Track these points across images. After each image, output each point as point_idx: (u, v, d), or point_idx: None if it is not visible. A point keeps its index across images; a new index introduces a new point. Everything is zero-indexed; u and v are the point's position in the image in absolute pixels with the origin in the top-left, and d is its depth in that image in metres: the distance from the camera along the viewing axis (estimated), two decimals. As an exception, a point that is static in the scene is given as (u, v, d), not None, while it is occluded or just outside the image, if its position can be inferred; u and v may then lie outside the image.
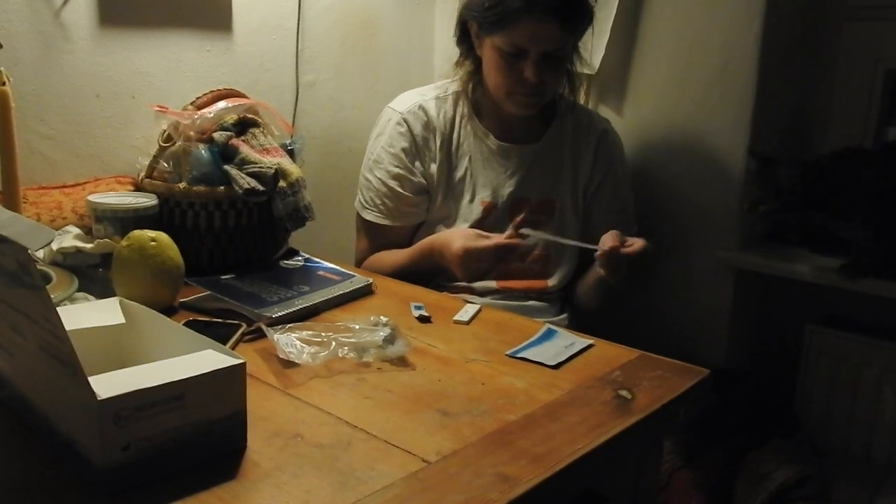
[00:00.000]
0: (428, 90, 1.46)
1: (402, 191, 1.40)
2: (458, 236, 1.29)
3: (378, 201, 1.41)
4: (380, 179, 1.41)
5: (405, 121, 1.40)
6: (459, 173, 1.42)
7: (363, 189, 1.44)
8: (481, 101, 1.43)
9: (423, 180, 1.41)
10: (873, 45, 1.64)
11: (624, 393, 0.86)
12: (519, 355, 0.96)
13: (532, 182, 1.43)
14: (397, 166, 1.40)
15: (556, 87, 1.41)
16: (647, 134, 1.67)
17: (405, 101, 1.44)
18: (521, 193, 1.43)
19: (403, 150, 1.40)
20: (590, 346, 1.00)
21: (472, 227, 1.39)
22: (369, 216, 1.43)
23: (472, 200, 1.42)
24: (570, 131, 1.47)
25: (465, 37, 1.39)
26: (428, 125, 1.41)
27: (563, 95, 1.48)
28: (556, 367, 0.93)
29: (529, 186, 1.43)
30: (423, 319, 1.09)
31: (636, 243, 1.23)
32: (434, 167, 1.41)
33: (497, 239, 1.25)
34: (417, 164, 1.41)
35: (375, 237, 1.44)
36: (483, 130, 1.42)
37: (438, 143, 1.41)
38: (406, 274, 1.34)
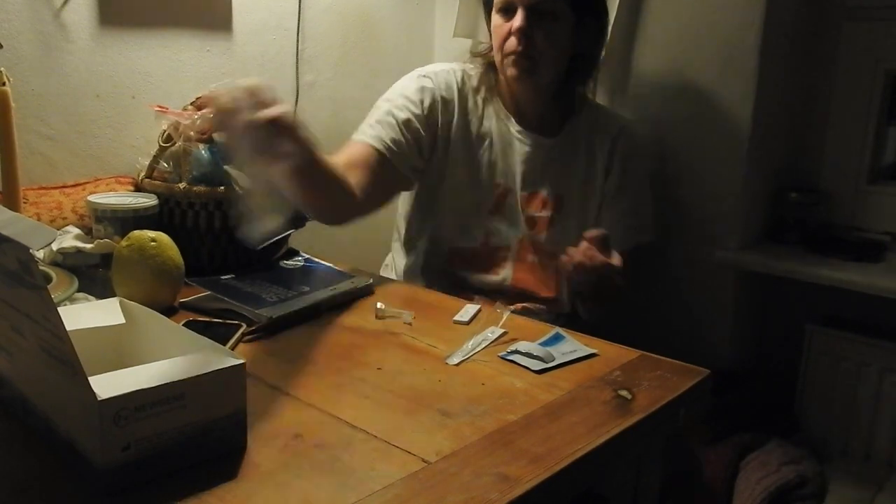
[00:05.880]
0: (455, 63, 1.45)
1: (395, 123, 1.32)
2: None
3: (366, 125, 1.33)
4: (379, 108, 1.35)
5: (429, 77, 1.39)
6: (479, 151, 1.41)
7: (361, 125, 1.36)
8: (503, 87, 1.42)
9: (421, 130, 1.34)
10: (873, 45, 1.64)
11: (624, 393, 0.86)
12: (509, 357, 0.95)
13: (546, 176, 1.42)
14: (406, 107, 1.34)
15: (550, 55, 1.33)
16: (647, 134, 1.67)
17: (432, 67, 1.43)
18: (534, 186, 1.42)
19: (420, 99, 1.35)
20: (593, 355, 0.98)
21: (486, 211, 1.40)
22: (354, 137, 1.32)
23: (488, 181, 1.41)
24: (585, 129, 1.44)
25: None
26: (451, 89, 1.40)
27: (582, 92, 1.47)
28: (540, 372, 0.92)
29: (543, 180, 1.42)
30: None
31: (595, 256, 1.15)
32: (446, 130, 1.38)
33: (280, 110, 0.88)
34: (431, 115, 1.36)
35: (345, 151, 1.29)
36: (506, 113, 1.42)
37: (458, 110, 1.39)
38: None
